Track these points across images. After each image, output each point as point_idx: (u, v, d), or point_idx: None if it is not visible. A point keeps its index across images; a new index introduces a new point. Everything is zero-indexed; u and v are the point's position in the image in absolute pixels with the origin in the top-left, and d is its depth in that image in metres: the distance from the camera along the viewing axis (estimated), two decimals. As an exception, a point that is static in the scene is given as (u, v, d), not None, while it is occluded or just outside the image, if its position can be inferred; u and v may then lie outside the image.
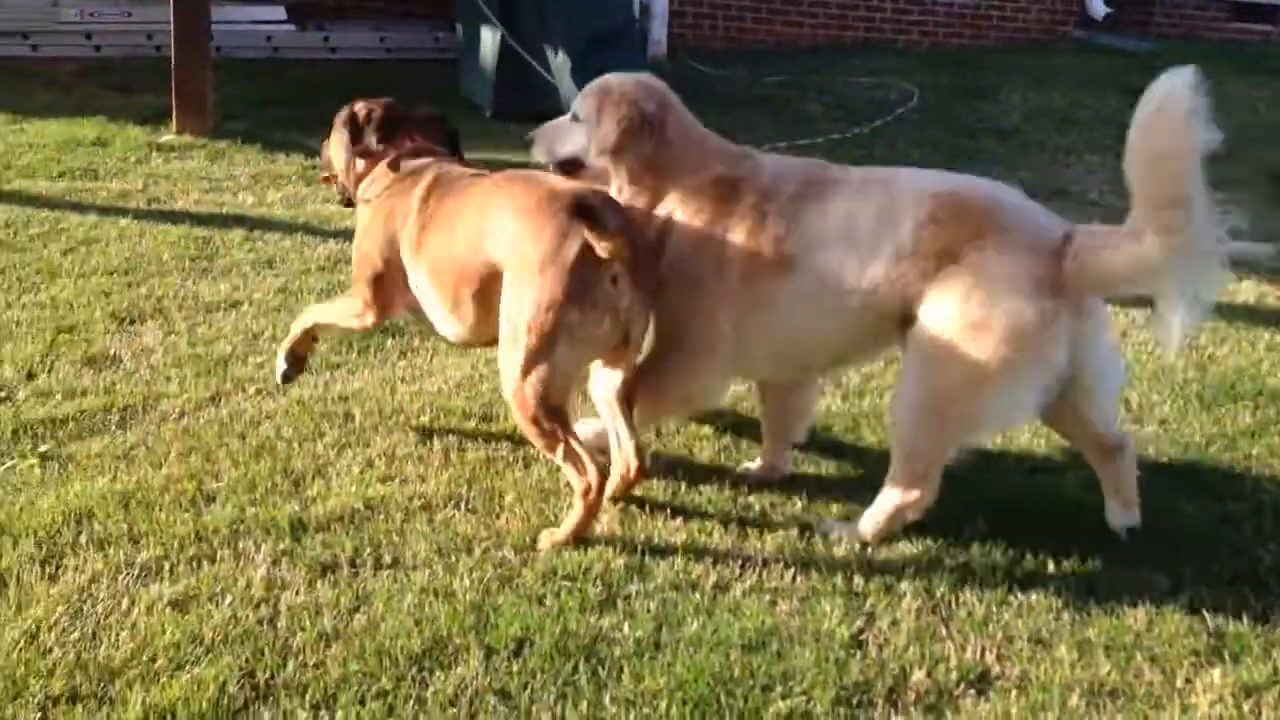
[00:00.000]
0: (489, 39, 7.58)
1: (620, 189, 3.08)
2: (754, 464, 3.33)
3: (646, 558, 2.85)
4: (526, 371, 2.80)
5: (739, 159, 3.06)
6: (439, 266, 3.06)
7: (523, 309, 2.79)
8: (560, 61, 7.26)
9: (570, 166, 3.16)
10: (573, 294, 2.73)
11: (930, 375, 2.78)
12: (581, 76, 7.18)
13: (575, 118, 3.19)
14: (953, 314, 2.72)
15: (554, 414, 2.84)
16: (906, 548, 2.94)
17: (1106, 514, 3.02)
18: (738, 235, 2.92)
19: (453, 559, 2.81)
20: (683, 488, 3.19)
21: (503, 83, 7.49)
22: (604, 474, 2.88)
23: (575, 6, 7.37)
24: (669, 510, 3.07)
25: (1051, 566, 2.89)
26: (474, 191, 3.06)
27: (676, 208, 3.01)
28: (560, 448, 2.85)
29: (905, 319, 2.82)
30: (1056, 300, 2.67)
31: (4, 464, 3.11)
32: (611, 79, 3.17)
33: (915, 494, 2.89)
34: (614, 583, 2.75)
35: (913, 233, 2.78)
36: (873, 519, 2.96)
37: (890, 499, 2.92)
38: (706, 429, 3.52)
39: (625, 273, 2.77)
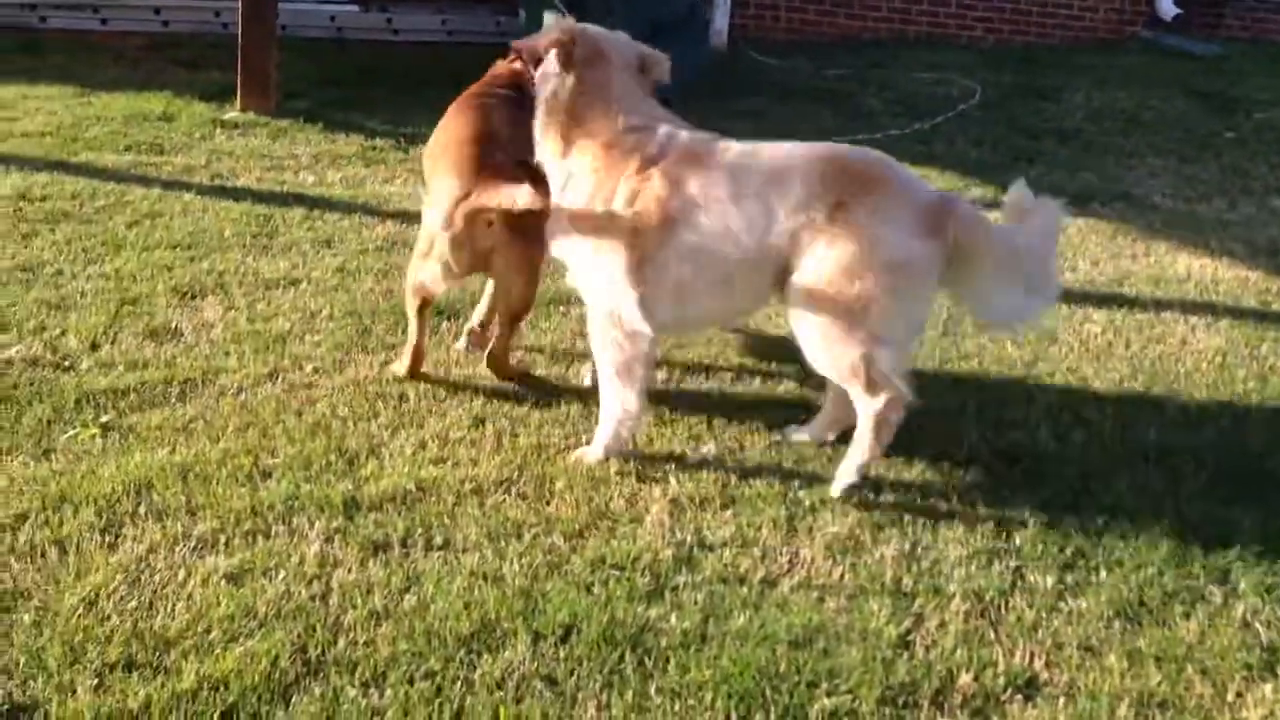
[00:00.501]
0: (552, 24, 7.59)
1: (539, 123, 3.32)
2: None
3: (695, 550, 2.86)
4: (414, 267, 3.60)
5: (640, 125, 3.21)
6: None
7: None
8: (622, 48, 7.26)
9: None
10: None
11: (830, 300, 3.02)
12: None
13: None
14: (850, 249, 2.99)
15: (417, 292, 3.62)
16: (955, 549, 2.93)
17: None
18: (624, 195, 3.13)
19: (502, 543, 2.84)
20: (733, 480, 3.19)
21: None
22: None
23: (636, -1, 7.36)
24: (718, 503, 3.08)
25: (1104, 573, 2.86)
26: None
27: (576, 158, 3.23)
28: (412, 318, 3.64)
29: (787, 270, 3.07)
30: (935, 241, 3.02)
31: (67, 433, 3.17)
32: (579, 25, 3.37)
33: (884, 396, 3.08)
34: (662, 573, 2.76)
35: (804, 189, 3.02)
36: (860, 443, 3.15)
37: (865, 414, 3.12)
38: (759, 422, 3.51)
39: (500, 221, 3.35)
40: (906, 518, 3.06)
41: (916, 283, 3.07)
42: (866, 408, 3.13)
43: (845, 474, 3.17)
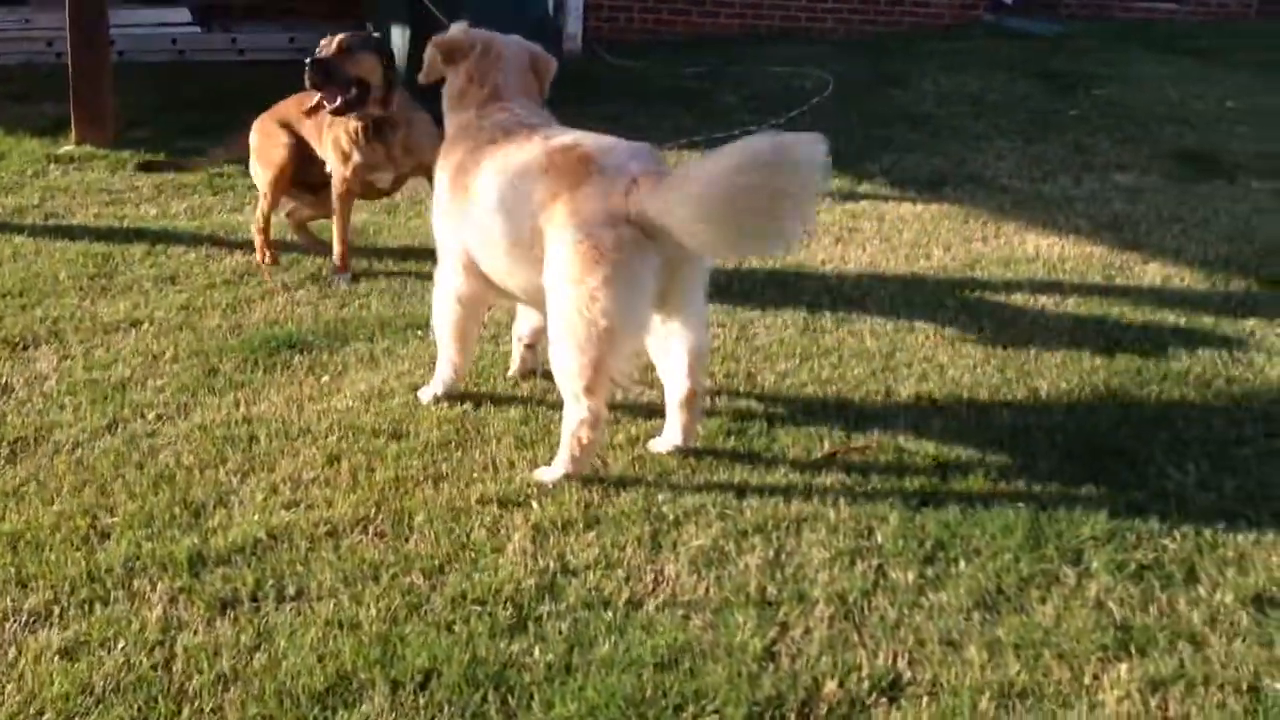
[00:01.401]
0: (399, 39, 7.46)
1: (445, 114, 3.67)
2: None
3: (558, 576, 2.81)
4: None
5: (486, 111, 3.51)
6: None
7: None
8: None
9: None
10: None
11: (555, 298, 3.14)
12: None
13: None
14: (557, 243, 3.11)
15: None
16: (818, 552, 2.93)
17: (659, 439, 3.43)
18: (450, 169, 3.50)
19: (359, 587, 2.75)
20: (596, 499, 3.15)
21: (415, 80, 7.37)
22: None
23: (488, 5, 7.28)
24: (581, 525, 3.03)
25: (963, 564, 2.90)
26: None
27: (447, 137, 3.62)
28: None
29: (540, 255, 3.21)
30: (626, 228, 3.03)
31: (-115, 507, 2.98)
32: (474, 27, 3.67)
33: (588, 413, 3.17)
34: (525, 604, 2.70)
35: (538, 179, 3.18)
36: (561, 455, 3.25)
37: (568, 426, 3.22)
38: (620, 437, 3.48)
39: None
40: (770, 524, 3.06)
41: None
42: (568, 421, 3.27)
43: (547, 475, 3.28)
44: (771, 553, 2.94)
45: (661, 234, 2.99)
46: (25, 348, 3.98)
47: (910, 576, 2.84)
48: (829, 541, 2.98)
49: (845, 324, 4.41)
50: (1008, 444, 3.48)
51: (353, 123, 4.61)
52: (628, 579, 2.82)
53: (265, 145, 4.91)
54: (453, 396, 3.70)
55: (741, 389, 3.83)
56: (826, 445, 3.47)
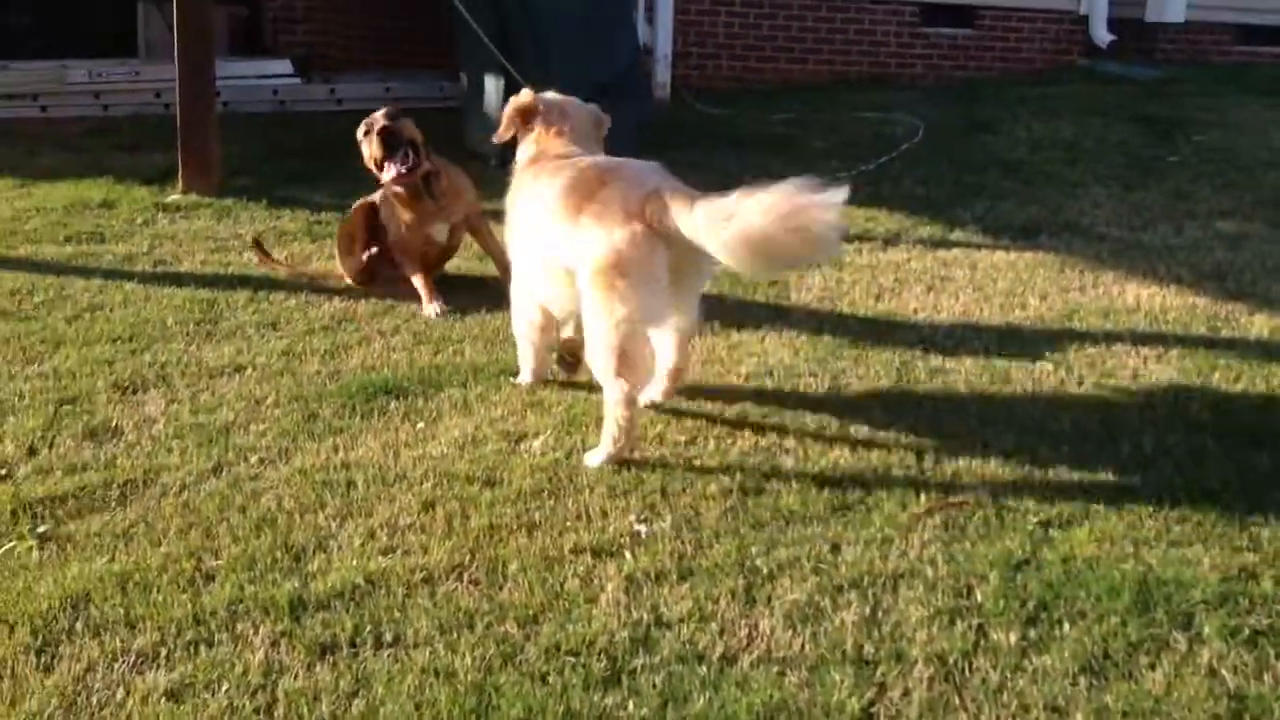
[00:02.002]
0: (492, 88, 7.60)
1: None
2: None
3: (652, 629, 2.80)
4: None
5: (548, 154, 4.00)
6: None
7: None
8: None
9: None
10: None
11: (585, 294, 3.61)
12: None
13: None
14: (584, 245, 3.59)
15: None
16: (916, 610, 2.88)
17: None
18: (513, 197, 4.05)
19: (454, 635, 2.76)
20: (690, 551, 3.14)
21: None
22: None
23: (578, 55, 7.40)
24: (675, 576, 3.02)
25: (1067, 626, 2.82)
26: None
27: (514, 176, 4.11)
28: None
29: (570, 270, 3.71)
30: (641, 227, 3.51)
31: (2, 546, 3.08)
32: (542, 93, 4.18)
33: (621, 393, 3.58)
34: (619, 657, 2.69)
35: (560, 197, 3.69)
36: (605, 436, 3.63)
37: (608, 409, 3.61)
38: (713, 488, 3.47)
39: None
40: (865, 579, 3.01)
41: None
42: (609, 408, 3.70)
43: (594, 458, 3.65)
44: (868, 609, 2.89)
45: (676, 240, 3.47)
46: (134, 391, 4.11)
47: (1012, 638, 2.78)
48: (927, 599, 2.93)
49: (939, 374, 4.35)
50: (1112, 502, 3.40)
51: (398, 186, 5.13)
52: (721, 633, 2.80)
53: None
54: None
55: (833, 439, 3.79)
56: (922, 500, 3.41)
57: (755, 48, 10.48)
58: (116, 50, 10.04)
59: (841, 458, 3.69)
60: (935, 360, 4.48)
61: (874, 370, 4.38)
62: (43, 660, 2.62)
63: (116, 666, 2.61)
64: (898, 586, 2.99)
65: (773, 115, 9.07)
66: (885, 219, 6.52)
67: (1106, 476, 3.56)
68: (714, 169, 7.64)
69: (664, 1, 9.40)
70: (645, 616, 2.85)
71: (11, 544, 3.10)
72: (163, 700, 2.49)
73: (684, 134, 8.53)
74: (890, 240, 6.14)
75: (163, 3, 10.17)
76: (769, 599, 2.94)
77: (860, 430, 3.87)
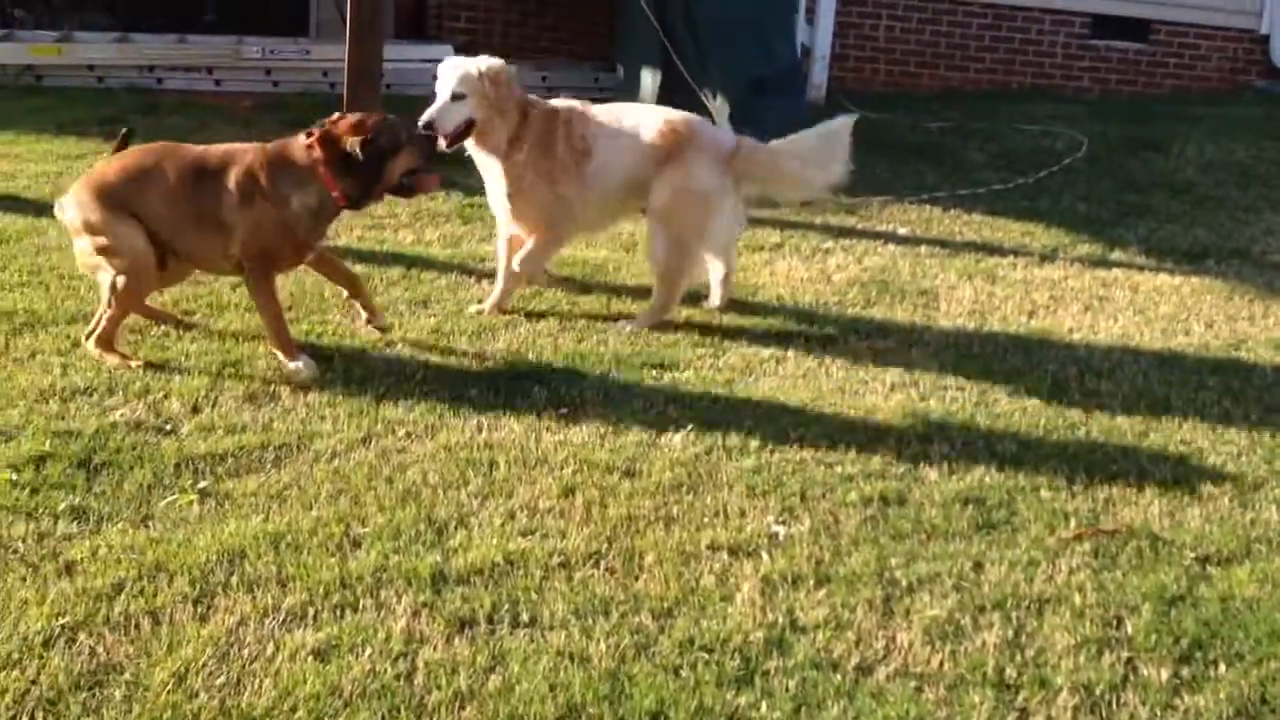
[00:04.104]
0: (649, 80, 7.64)
1: (503, 126, 4.70)
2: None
3: (787, 632, 2.78)
4: None
5: (549, 110, 4.81)
6: None
7: None
8: (719, 105, 7.26)
9: (464, 131, 4.69)
10: None
11: (670, 220, 4.69)
12: (743, 122, 7.21)
13: (458, 97, 4.64)
14: (678, 184, 4.65)
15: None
16: (1062, 637, 2.79)
17: None
18: (562, 145, 4.74)
19: (589, 621, 2.78)
20: (827, 557, 3.10)
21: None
22: None
23: (738, 49, 7.38)
24: (812, 582, 2.99)
25: (1222, 667, 2.70)
26: None
27: (532, 132, 4.73)
28: None
29: (646, 191, 4.72)
30: (727, 178, 4.72)
31: (165, 499, 3.22)
32: (476, 62, 4.69)
33: (672, 300, 4.75)
34: (753, 657, 2.68)
35: (656, 138, 4.68)
36: (644, 317, 4.73)
37: (656, 305, 4.75)
38: (853, 495, 3.42)
39: None
40: (1009, 601, 2.93)
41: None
42: (656, 303, 4.82)
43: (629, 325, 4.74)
44: (1011, 632, 2.81)
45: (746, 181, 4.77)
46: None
47: (1164, 675, 2.67)
48: (1074, 627, 2.83)
49: (1093, 396, 4.21)
50: (1275, 542, 3.24)
51: None
52: (858, 643, 2.76)
53: None
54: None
55: (979, 455, 3.70)
56: (1072, 524, 3.31)
57: (915, 53, 10.29)
58: (289, 29, 10.39)
59: (987, 475, 3.59)
60: (1090, 382, 4.34)
61: (1024, 388, 4.26)
62: (198, 610, 2.73)
63: (267, 622, 2.70)
64: (1043, 611, 2.90)
65: (929, 123, 8.89)
66: (1042, 234, 6.33)
67: (1271, 515, 3.40)
68: (864, 174, 7.53)
69: (826, 3, 9.29)
70: (780, 619, 2.82)
71: (174, 496, 3.23)
72: (309, 658, 2.57)
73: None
74: (1047, 256, 5.96)
75: (335, -15, 10.50)
76: (908, 612, 2.88)
77: (1008, 448, 3.77)
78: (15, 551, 2.92)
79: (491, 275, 5.31)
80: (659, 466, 3.57)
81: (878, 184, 7.07)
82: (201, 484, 3.32)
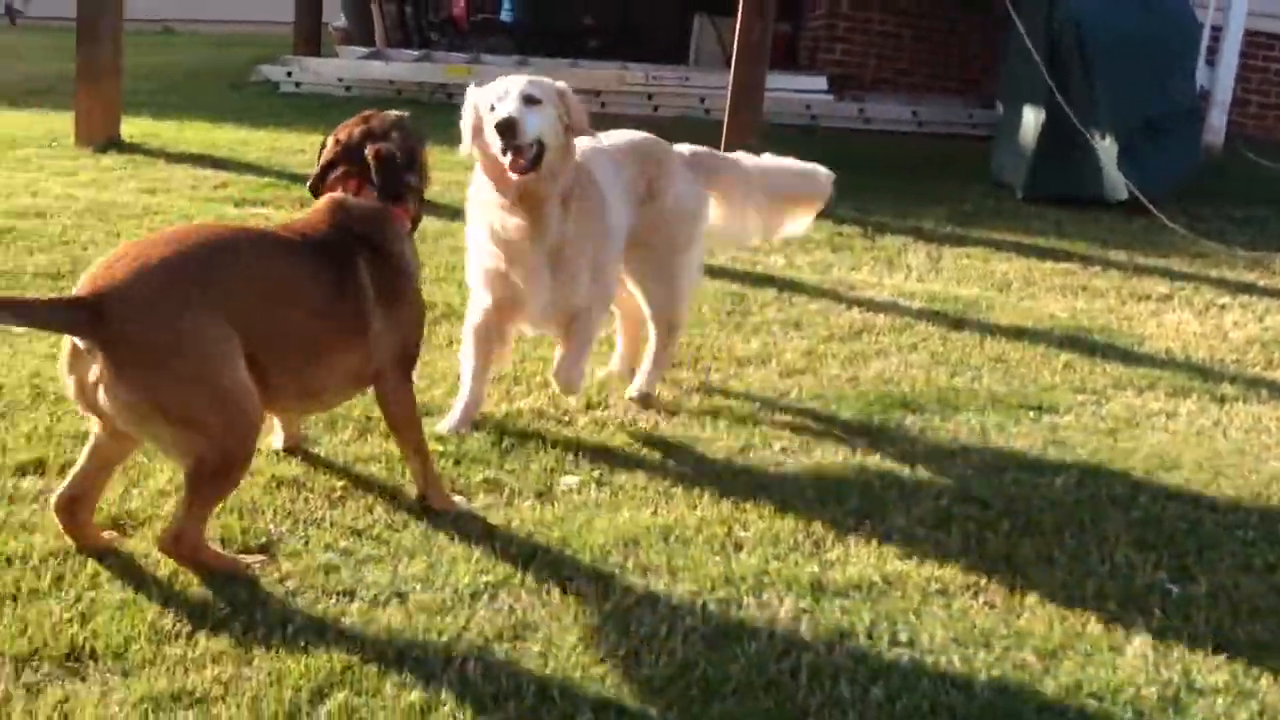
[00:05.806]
0: (1031, 118, 7.44)
1: (563, 169, 3.62)
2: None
3: (1182, 693, 2.65)
4: None
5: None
6: None
7: None
8: (1107, 146, 6.98)
9: (537, 156, 3.51)
10: None
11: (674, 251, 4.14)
12: (1131, 164, 6.90)
13: (532, 100, 3.49)
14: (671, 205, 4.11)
15: None
16: None
17: None
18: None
19: (969, 650, 2.77)
20: (1227, 622, 2.93)
21: (1041, 164, 7.31)
22: None
23: (1132, 86, 7.05)
24: (1210, 646, 2.83)
25: None
26: None
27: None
28: None
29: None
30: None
31: (568, 484, 3.48)
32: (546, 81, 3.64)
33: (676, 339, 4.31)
34: (1145, 711, 2.57)
35: (635, 179, 4.00)
36: (651, 376, 4.21)
37: (662, 359, 4.22)
38: (1258, 562, 3.20)
39: None
40: None
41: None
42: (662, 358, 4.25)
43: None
44: None
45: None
46: (673, 368, 4.45)
47: None
48: None
49: None
50: None
51: None
52: (1261, 713, 2.59)
53: None
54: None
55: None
56: None
57: (1327, 100, 9.47)
58: (669, 58, 10.92)
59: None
60: None
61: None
62: (596, 588, 2.94)
63: (658, 606, 2.87)
64: None
65: (1340, 175, 8.14)
66: None
67: None
68: (1254, 225, 7.02)
69: (1230, 44, 8.69)
70: (1176, 679, 2.70)
71: (577, 480, 3.49)
72: (700, 643, 2.71)
73: (1230, 185, 7.90)
74: None
75: (716, 16, 10.95)
76: (1324, 691, 2.67)
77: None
78: (444, 514, 3.25)
79: (862, 304, 5.37)
80: (1038, 507, 3.49)
81: (1266, 237, 6.57)
82: (595, 473, 3.56)
